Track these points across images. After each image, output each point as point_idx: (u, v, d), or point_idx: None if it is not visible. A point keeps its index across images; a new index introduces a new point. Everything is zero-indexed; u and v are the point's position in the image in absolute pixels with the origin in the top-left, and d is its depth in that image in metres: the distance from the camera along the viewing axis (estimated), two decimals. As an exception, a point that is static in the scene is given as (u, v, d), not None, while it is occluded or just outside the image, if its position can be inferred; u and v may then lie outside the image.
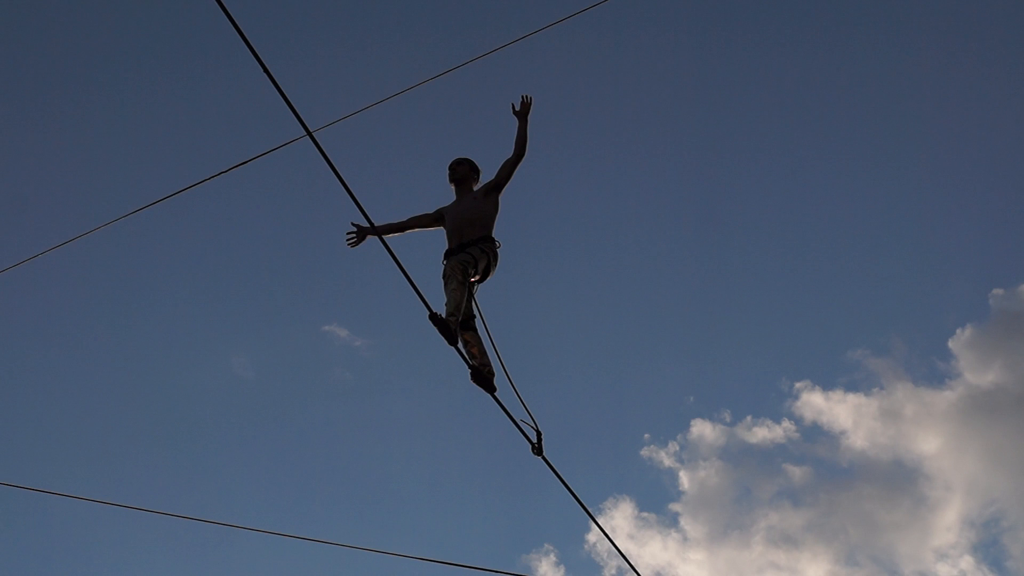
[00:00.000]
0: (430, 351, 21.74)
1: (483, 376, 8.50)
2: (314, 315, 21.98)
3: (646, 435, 22.55)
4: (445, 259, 8.77)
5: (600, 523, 8.92)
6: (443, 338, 8.14)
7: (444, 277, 8.57)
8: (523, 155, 8.83)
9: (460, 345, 8.46)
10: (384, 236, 8.51)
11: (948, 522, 22.50)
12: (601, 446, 22.31)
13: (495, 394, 8.38)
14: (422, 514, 21.42)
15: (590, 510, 8.65)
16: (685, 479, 22.90)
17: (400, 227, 9.13)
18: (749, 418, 23.04)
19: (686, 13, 21.66)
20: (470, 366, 8.51)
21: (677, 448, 22.64)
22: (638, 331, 23.14)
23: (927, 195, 23.30)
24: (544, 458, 8.36)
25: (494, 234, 8.86)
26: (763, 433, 22.80)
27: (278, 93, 6.31)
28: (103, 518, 22.23)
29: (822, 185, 23.36)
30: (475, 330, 8.70)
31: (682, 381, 22.97)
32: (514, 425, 8.25)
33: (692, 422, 22.82)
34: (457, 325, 8.33)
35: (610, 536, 8.88)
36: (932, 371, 23.76)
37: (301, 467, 21.68)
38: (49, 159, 21.57)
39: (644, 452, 22.51)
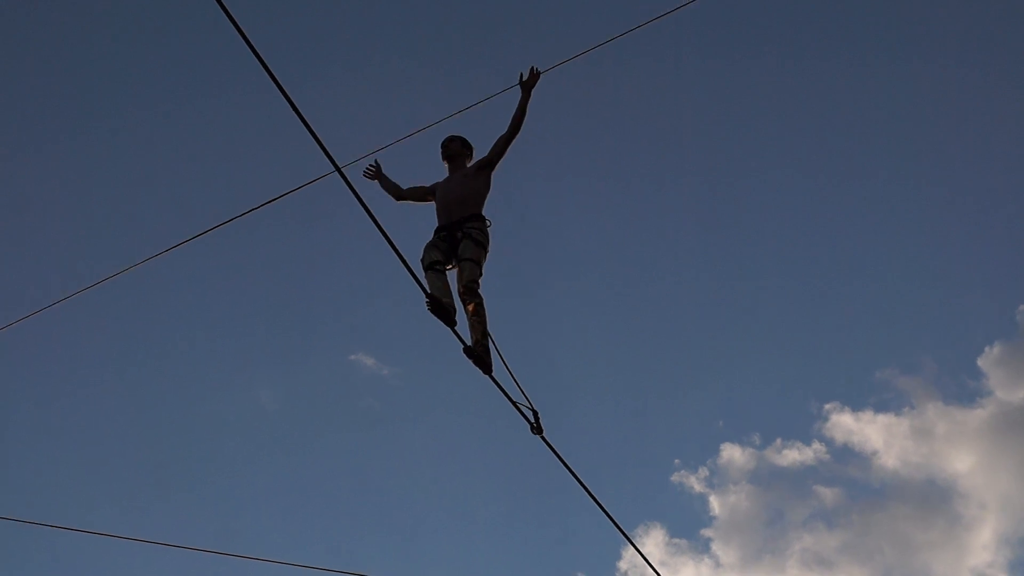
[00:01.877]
0: (457, 378, 21.78)
1: (443, 307, 8.15)
2: (340, 345, 22.02)
3: (676, 460, 22.44)
4: (435, 234, 8.63)
5: (635, 543, 8.90)
6: (479, 369, 8.16)
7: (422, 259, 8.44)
8: (518, 131, 8.65)
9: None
10: (385, 190, 9.19)
11: (984, 540, 22.22)
12: (631, 473, 22.20)
13: (491, 374, 8.16)
14: (451, 543, 21.31)
15: (622, 531, 8.57)
16: (716, 504, 22.74)
17: (397, 192, 9.15)
18: (779, 441, 22.87)
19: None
20: (429, 295, 8.14)
21: (707, 473, 22.50)
22: (665, 356, 23.06)
23: (952, 212, 23.19)
24: (543, 438, 8.23)
25: (484, 212, 8.66)
26: (793, 455, 22.63)
27: (306, 129, 6.43)
28: (130, 553, 22.21)
29: (847, 206, 23.28)
30: (439, 272, 8.43)
31: (711, 405, 22.84)
32: (513, 406, 8.12)
33: (722, 446, 22.69)
34: (488, 352, 8.22)
35: (645, 555, 8.91)
36: (962, 389, 23.54)
37: (328, 498, 21.62)
38: (78, 200, 21.78)
39: (675, 478, 22.38)
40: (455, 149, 9.03)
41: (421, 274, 8.24)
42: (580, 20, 20.71)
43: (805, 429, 23.13)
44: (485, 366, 8.19)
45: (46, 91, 21.60)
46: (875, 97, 22.68)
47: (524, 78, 8.60)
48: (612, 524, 8.56)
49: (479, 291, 8.36)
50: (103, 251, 20.21)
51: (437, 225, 8.73)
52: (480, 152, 8.96)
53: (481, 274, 8.43)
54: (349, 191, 6.76)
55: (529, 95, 8.59)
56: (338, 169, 6.97)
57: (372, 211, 6.97)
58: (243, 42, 6.05)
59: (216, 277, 21.41)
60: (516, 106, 8.61)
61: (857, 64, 22.52)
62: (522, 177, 21.26)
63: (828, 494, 22.55)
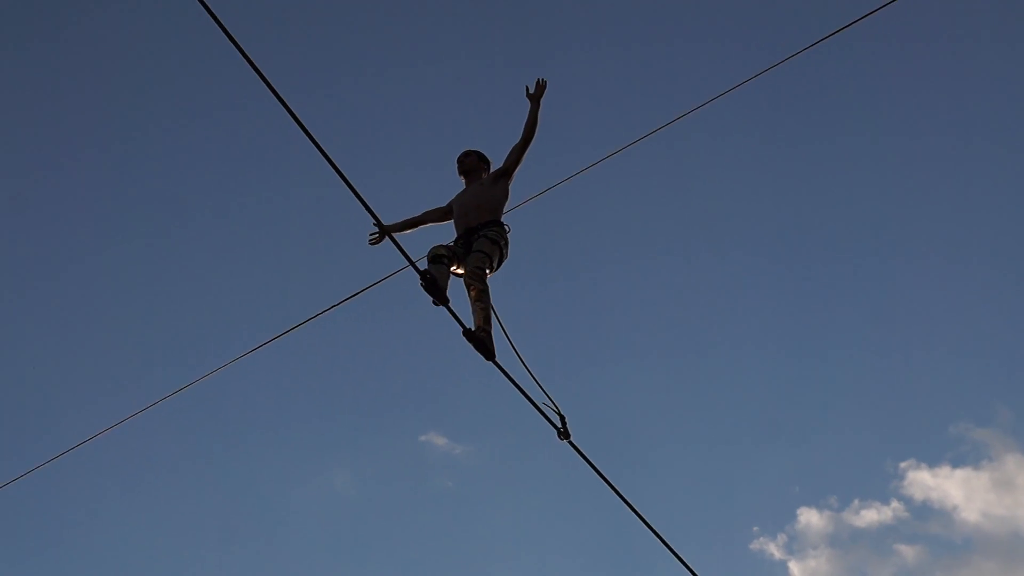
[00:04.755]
0: (530, 452, 21.77)
1: (437, 286, 7.96)
2: (409, 426, 22.15)
3: (755, 528, 22.27)
4: (454, 242, 8.52)
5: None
6: (480, 354, 7.94)
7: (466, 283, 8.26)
8: (531, 139, 8.60)
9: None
10: (401, 232, 8.89)
11: (1071, 590, 21.73)
12: (710, 542, 22.00)
13: (495, 360, 7.97)
14: (535, 621, 21.25)
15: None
16: (797, 570, 22.42)
17: (414, 223, 9.01)
18: (856, 501, 22.58)
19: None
20: (422, 273, 7.96)
21: (786, 539, 22.28)
22: (738, 424, 23.00)
23: (1017, 258, 23.04)
24: (571, 442, 8.03)
25: (503, 220, 8.58)
26: (872, 516, 22.32)
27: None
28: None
29: (911, 264, 23.24)
30: (443, 264, 8.31)
31: (786, 470, 22.61)
32: (538, 411, 7.95)
33: (799, 511, 22.47)
34: (491, 338, 8.05)
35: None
36: (1041, 437, 23.18)
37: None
38: (162, 306, 22.27)
39: (754, 546, 22.16)
40: (471, 164, 9.00)
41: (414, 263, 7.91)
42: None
43: (882, 488, 22.82)
44: (487, 351, 8.00)
45: (123, 198, 22.26)
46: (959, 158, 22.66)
47: (531, 91, 8.63)
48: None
49: (486, 280, 8.24)
50: (180, 358, 20.65)
51: (455, 236, 8.66)
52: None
53: (492, 268, 8.34)
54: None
55: (538, 105, 8.59)
56: (412, 264, 7.50)
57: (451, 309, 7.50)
58: (319, 153, 6.41)
59: (286, 373, 21.78)
60: (527, 116, 8.59)
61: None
62: (599, 239, 21.76)
63: (910, 552, 22.18)
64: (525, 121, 8.61)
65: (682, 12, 22.38)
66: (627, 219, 21.88)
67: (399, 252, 7.52)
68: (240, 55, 6.05)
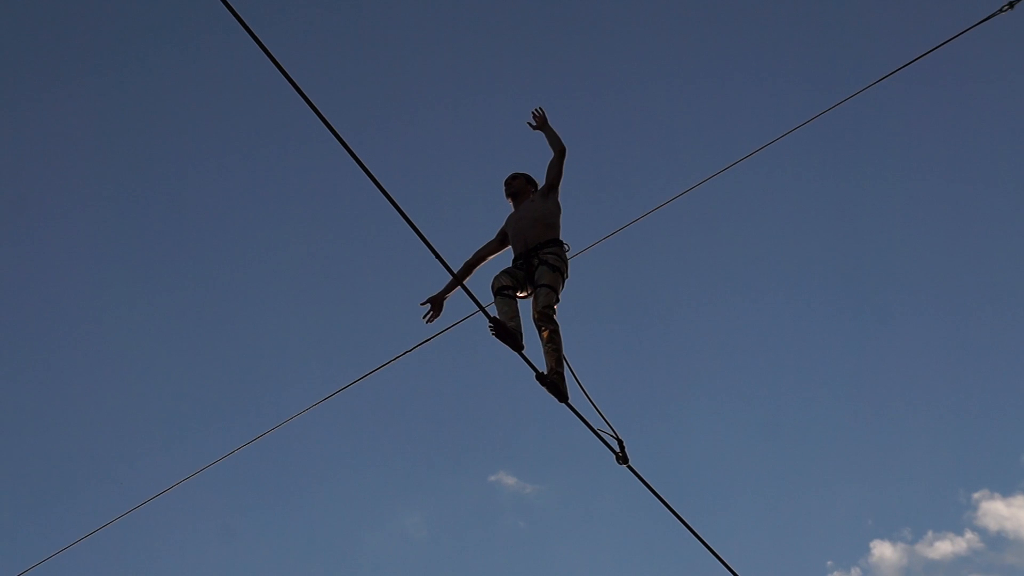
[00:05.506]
0: (600, 488, 21.78)
1: (507, 330, 7.90)
2: (478, 467, 22.25)
3: (828, 562, 22.15)
4: (513, 264, 8.47)
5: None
6: (554, 397, 7.93)
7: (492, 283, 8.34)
8: (564, 150, 8.59)
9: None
10: (457, 289, 8.49)
11: None
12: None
13: (568, 402, 7.90)
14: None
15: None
16: (873, 603, 22.30)
17: (467, 269, 8.77)
18: (930, 533, 22.41)
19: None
20: (491, 319, 7.89)
21: (860, 572, 22.11)
22: (810, 459, 22.92)
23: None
24: (630, 466, 7.92)
25: (561, 236, 8.50)
26: (946, 547, 22.07)
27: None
28: None
29: (982, 291, 23.12)
30: (509, 298, 8.25)
31: (859, 503, 22.51)
32: (596, 436, 7.87)
33: (872, 544, 22.33)
34: (563, 380, 7.96)
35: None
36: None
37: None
38: (234, 359, 22.57)
39: (828, 580, 22.08)
40: (519, 186, 8.91)
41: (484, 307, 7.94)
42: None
43: (955, 520, 22.62)
44: (560, 394, 7.93)
45: (192, 254, 22.66)
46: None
47: (533, 125, 8.72)
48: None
49: (555, 317, 8.15)
50: (255, 407, 20.91)
51: (514, 255, 8.56)
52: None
53: (558, 300, 8.22)
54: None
55: (548, 127, 8.65)
56: (482, 309, 7.58)
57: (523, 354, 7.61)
58: (390, 205, 6.47)
59: (357, 418, 21.98)
60: (548, 141, 8.64)
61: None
62: (672, 278, 21.90)
63: (987, 583, 21.99)
64: (549, 144, 8.64)
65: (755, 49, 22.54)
66: (699, 258, 22.02)
67: (469, 298, 7.59)
68: (301, 97, 5.99)
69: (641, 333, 22.10)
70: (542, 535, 22.17)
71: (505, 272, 8.42)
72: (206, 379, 22.05)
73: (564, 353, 8.09)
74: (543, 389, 7.98)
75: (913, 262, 22.90)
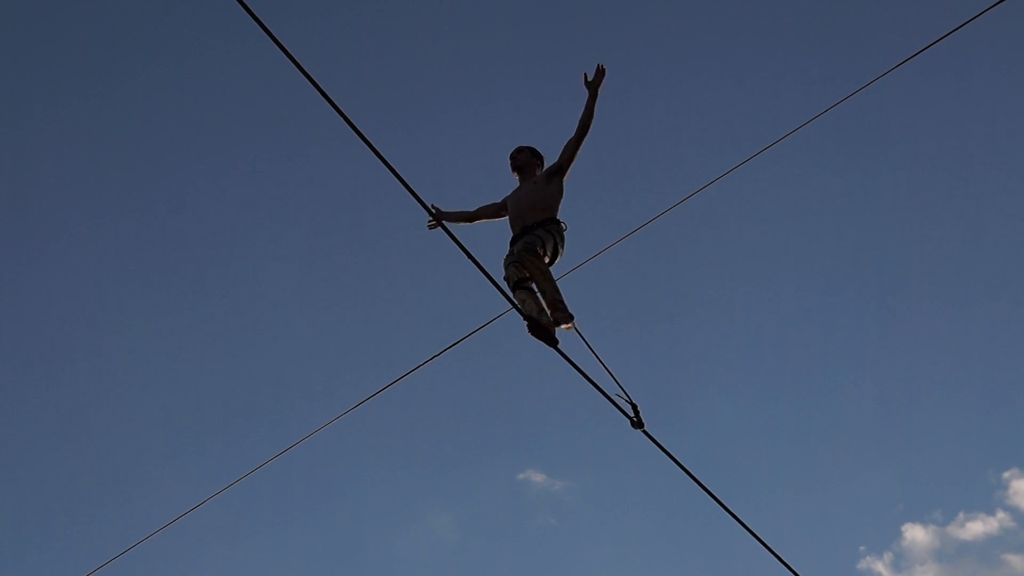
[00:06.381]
0: (631, 482, 21.80)
1: (542, 327, 7.95)
2: (506, 465, 22.26)
3: (861, 547, 22.12)
4: (511, 245, 8.48)
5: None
6: (546, 345, 7.89)
7: (506, 277, 8.28)
8: (586, 133, 8.35)
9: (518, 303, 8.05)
10: (456, 223, 8.78)
11: None
12: (818, 564, 21.85)
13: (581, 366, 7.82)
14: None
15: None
16: (905, 588, 22.24)
17: (469, 217, 8.89)
18: (961, 515, 22.33)
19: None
20: (526, 317, 7.96)
21: (892, 556, 22.07)
22: (838, 446, 22.88)
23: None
24: (645, 431, 7.87)
25: (559, 217, 8.43)
26: (977, 528, 22.00)
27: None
28: None
29: (1009, 280, 23.06)
30: (529, 289, 8.19)
31: (888, 487, 22.45)
32: (610, 402, 7.85)
33: (903, 527, 22.26)
34: (553, 325, 7.97)
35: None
36: None
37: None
38: (264, 369, 22.67)
39: (861, 565, 21.97)
40: (524, 159, 8.82)
41: (477, 261, 7.78)
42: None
43: (986, 500, 22.52)
44: (548, 338, 7.97)
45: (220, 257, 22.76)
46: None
47: (589, 78, 8.31)
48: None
49: (539, 256, 8.19)
50: (288, 415, 21.01)
51: (511, 236, 8.58)
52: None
53: (544, 249, 8.24)
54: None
55: (596, 95, 8.29)
56: (516, 307, 7.70)
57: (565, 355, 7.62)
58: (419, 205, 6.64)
59: (385, 422, 22.02)
60: (583, 108, 8.32)
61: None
62: (700, 271, 21.95)
63: (1019, 562, 21.84)
64: (581, 114, 8.34)
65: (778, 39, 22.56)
66: (727, 250, 22.02)
67: (504, 297, 7.66)
68: (329, 104, 6.13)
69: (667, 326, 22.13)
70: (573, 531, 22.19)
71: (512, 264, 8.36)
72: (235, 391, 22.16)
73: (556, 286, 8.12)
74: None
75: (933, 246, 22.87)
